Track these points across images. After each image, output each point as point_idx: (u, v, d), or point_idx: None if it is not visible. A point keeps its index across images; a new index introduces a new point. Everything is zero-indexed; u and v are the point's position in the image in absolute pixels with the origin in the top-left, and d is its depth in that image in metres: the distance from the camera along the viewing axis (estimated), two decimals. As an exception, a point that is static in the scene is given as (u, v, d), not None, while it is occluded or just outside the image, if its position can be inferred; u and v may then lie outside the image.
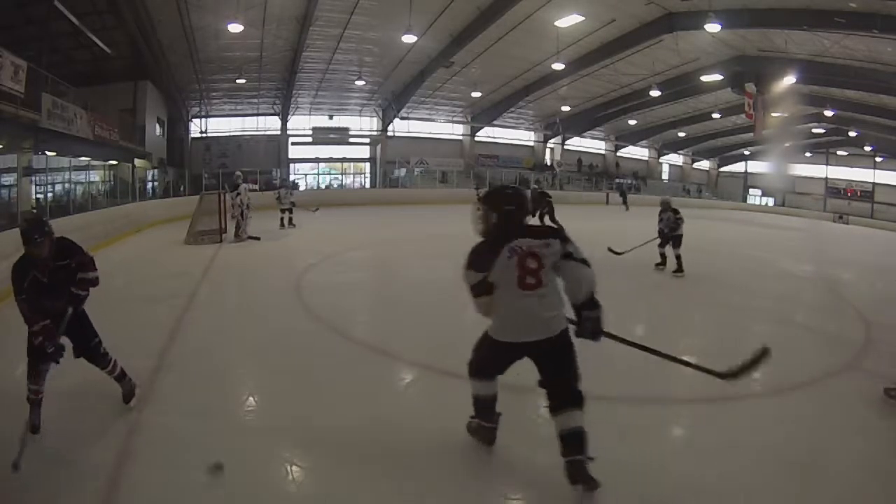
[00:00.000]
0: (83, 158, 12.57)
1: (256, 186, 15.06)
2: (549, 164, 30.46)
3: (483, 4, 15.54)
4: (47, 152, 11.48)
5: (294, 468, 2.60)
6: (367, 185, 25.64)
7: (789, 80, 17.56)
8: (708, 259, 10.43)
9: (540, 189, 12.29)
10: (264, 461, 2.63)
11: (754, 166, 35.49)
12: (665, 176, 36.64)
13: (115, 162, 14.71)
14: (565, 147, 30.90)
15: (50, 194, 11.00)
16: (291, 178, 22.20)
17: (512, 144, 29.58)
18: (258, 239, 10.07)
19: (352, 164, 26.46)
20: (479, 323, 2.59)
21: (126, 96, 17.33)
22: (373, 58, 19.55)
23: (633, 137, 32.52)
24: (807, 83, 18.98)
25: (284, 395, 3.42)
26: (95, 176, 13.53)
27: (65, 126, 12.01)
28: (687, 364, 2.72)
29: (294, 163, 24.60)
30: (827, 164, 32.64)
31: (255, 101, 22.78)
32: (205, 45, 16.62)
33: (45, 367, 2.80)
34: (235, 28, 13.70)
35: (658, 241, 7.89)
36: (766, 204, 34.51)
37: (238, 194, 10.14)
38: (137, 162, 16.49)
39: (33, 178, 10.77)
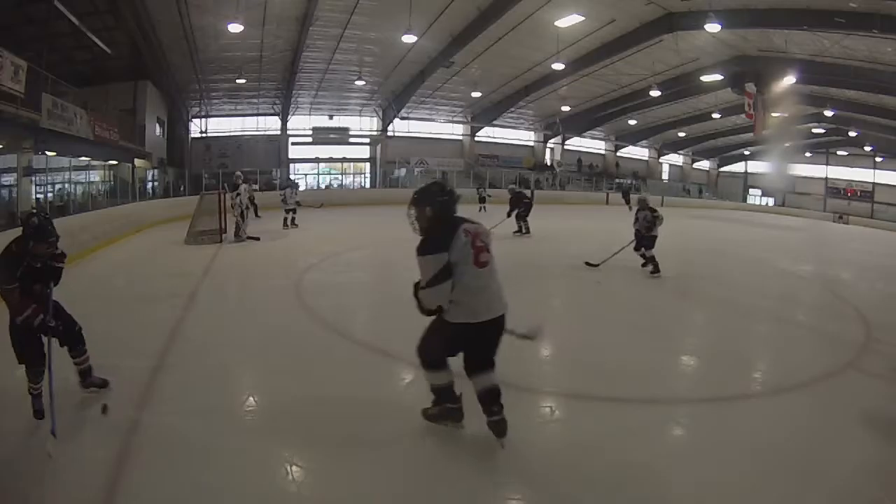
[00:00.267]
0: (83, 158, 12.57)
1: (257, 186, 15.05)
2: (549, 164, 30.45)
3: (483, 4, 15.54)
4: (47, 152, 11.48)
5: (294, 468, 2.60)
6: (367, 186, 25.64)
7: (789, 80, 17.55)
8: (708, 259, 10.45)
9: (518, 189, 12.35)
10: (264, 461, 2.63)
11: (754, 166, 35.47)
12: (665, 176, 36.62)
13: (115, 162, 14.71)
14: (565, 147, 30.89)
15: (50, 194, 11.01)
16: (291, 177, 22.20)
17: (512, 144, 29.58)
18: (258, 239, 10.07)
19: (352, 164, 26.45)
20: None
21: (126, 96, 17.33)
22: (373, 58, 19.54)
23: (633, 137, 32.51)
24: (807, 83, 18.96)
25: (284, 395, 3.42)
26: (95, 176, 13.54)
27: (65, 126, 12.01)
28: None
29: (294, 163, 24.58)
30: (827, 164, 32.63)
31: (255, 101, 22.77)
32: (205, 45, 16.60)
33: (41, 369, 2.86)
34: (235, 28, 13.69)
35: (633, 243, 7.61)
36: (767, 204, 34.51)
37: (238, 194, 10.15)
38: (137, 162, 16.48)
39: (33, 178, 10.78)
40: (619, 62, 19.79)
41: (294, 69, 19.59)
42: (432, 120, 26.51)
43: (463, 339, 2.55)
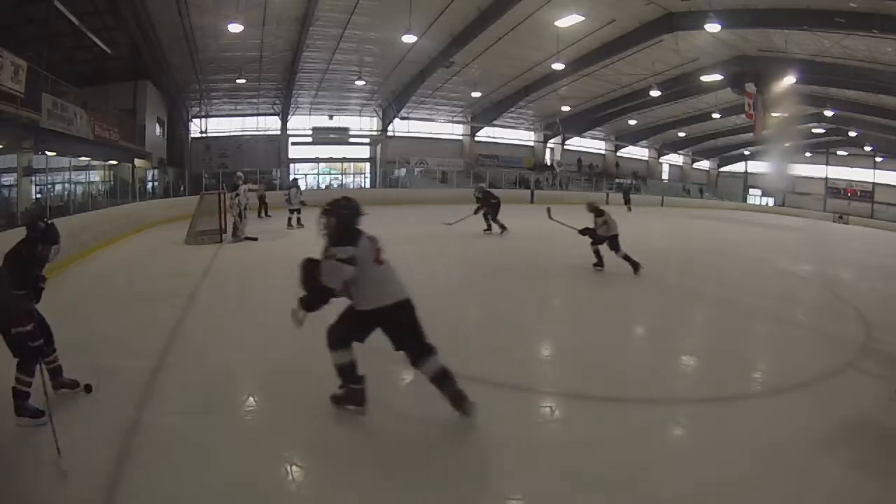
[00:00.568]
0: (83, 158, 12.55)
1: (257, 186, 15.04)
2: (549, 164, 30.45)
3: (483, 4, 15.54)
4: (47, 152, 11.47)
5: (294, 468, 2.60)
6: (367, 186, 25.63)
7: (789, 80, 17.55)
8: (708, 259, 10.45)
9: (485, 189, 12.40)
10: (264, 461, 2.63)
11: (754, 166, 35.47)
12: (665, 176, 36.62)
13: (115, 162, 14.69)
14: (565, 147, 30.89)
15: (50, 194, 10.99)
16: (291, 177, 22.19)
17: (512, 144, 29.57)
18: (255, 239, 10.07)
19: (352, 164, 26.45)
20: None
21: (126, 96, 17.33)
22: (373, 58, 19.54)
23: (633, 137, 32.51)
24: (807, 83, 18.97)
25: (284, 395, 3.42)
26: (95, 176, 13.52)
27: (65, 126, 12.01)
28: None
29: (294, 163, 24.56)
30: (827, 164, 32.64)
31: (255, 101, 22.77)
32: (205, 45, 16.60)
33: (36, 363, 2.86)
34: (235, 28, 13.69)
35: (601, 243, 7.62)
36: (767, 204, 34.52)
37: (237, 194, 10.15)
38: (137, 162, 16.47)
39: (33, 178, 10.77)
40: (619, 62, 19.79)
41: (294, 69, 19.59)
42: (432, 120, 26.50)
43: (373, 324, 2.96)
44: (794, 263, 10.42)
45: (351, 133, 25.43)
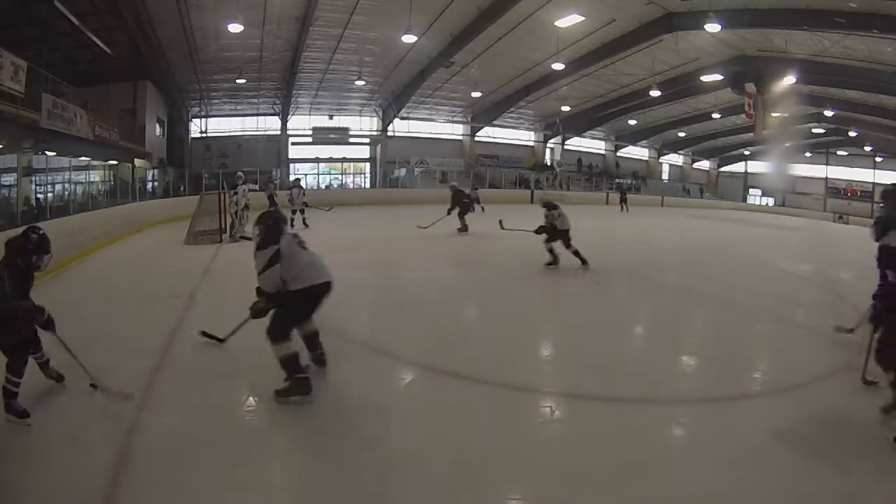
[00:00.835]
0: (83, 158, 12.54)
1: (256, 186, 15.04)
2: (549, 164, 30.46)
3: (483, 4, 15.54)
4: (47, 152, 11.48)
5: (294, 468, 2.60)
6: (367, 185, 25.64)
7: (789, 80, 17.56)
8: (708, 259, 10.44)
9: (457, 188, 12.43)
10: (264, 461, 2.63)
11: (754, 166, 35.45)
12: (665, 176, 36.64)
13: (115, 162, 14.67)
14: (565, 147, 30.90)
15: (50, 194, 10.99)
16: (293, 178, 22.18)
17: (512, 144, 29.58)
18: (251, 240, 10.05)
19: (352, 164, 26.45)
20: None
21: (126, 96, 17.33)
22: (373, 58, 19.54)
23: (633, 137, 32.52)
24: (807, 83, 18.98)
25: (284, 394, 3.41)
26: (95, 176, 13.50)
27: (65, 126, 12.01)
28: None
29: (294, 163, 24.58)
30: (827, 164, 32.63)
31: (255, 101, 22.78)
32: (205, 45, 16.61)
33: (27, 359, 2.97)
34: (235, 28, 13.69)
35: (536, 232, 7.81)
36: (767, 204, 34.50)
37: (236, 194, 10.14)
38: (137, 162, 16.47)
39: (33, 178, 10.76)
40: (619, 62, 19.81)
41: (294, 69, 19.60)
42: (432, 120, 26.51)
43: (306, 301, 3.33)
44: (794, 263, 10.41)
45: (351, 133, 25.44)
